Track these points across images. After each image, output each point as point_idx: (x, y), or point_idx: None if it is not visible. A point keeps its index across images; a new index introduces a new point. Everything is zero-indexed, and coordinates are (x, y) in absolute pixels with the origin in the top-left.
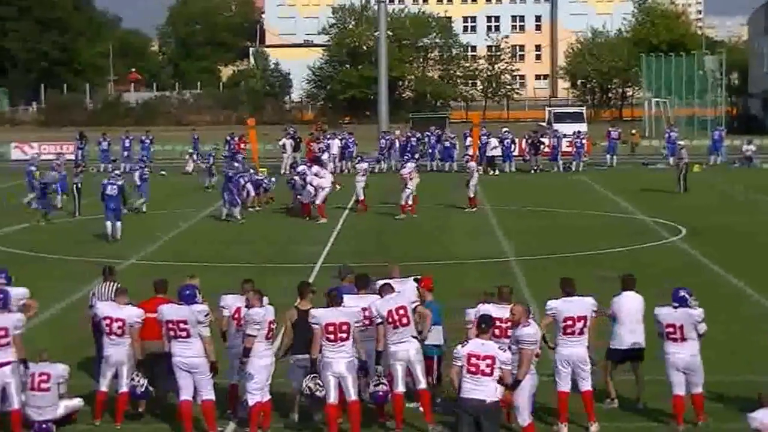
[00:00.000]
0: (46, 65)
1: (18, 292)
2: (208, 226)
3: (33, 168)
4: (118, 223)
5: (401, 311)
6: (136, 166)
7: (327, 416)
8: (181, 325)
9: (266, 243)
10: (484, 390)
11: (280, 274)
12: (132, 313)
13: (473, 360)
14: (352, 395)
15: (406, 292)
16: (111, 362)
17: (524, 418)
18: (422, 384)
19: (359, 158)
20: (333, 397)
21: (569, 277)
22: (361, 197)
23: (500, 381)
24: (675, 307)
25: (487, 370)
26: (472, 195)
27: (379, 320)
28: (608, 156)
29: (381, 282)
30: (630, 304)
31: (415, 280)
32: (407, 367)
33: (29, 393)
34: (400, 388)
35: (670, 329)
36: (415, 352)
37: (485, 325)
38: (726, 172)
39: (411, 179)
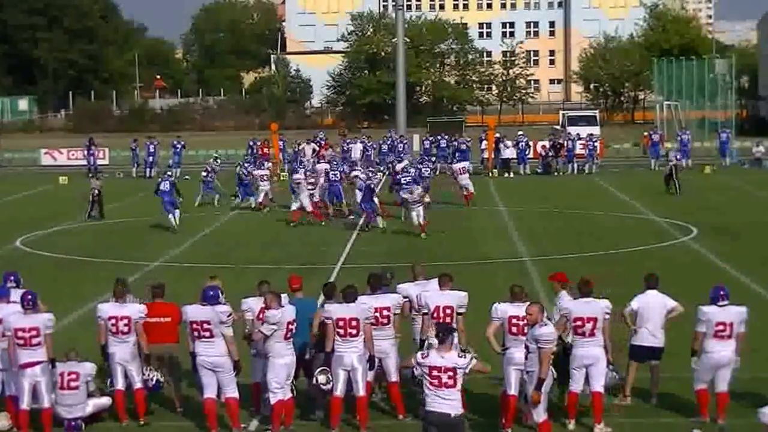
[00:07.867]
0: (74, 73)
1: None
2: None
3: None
4: (177, 212)
5: (448, 311)
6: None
7: (331, 406)
8: (205, 326)
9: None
10: (449, 403)
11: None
12: (136, 309)
13: (435, 373)
14: (361, 390)
15: (456, 295)
16: (116, 360)
17: (540, 414)
18: None
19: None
20: (340, 391)
21: (587, 279)
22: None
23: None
24: (721, 306)
25: (450, 382)
26: (470, 191)
27: (425, 311)
28: (652, 160)
29: (366, 295)
30: (653, 302)
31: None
32: None
33: (59, 392)
34: None
35: (720, 327)
36: None
37: (443, 334)
38: (736, 174)
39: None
